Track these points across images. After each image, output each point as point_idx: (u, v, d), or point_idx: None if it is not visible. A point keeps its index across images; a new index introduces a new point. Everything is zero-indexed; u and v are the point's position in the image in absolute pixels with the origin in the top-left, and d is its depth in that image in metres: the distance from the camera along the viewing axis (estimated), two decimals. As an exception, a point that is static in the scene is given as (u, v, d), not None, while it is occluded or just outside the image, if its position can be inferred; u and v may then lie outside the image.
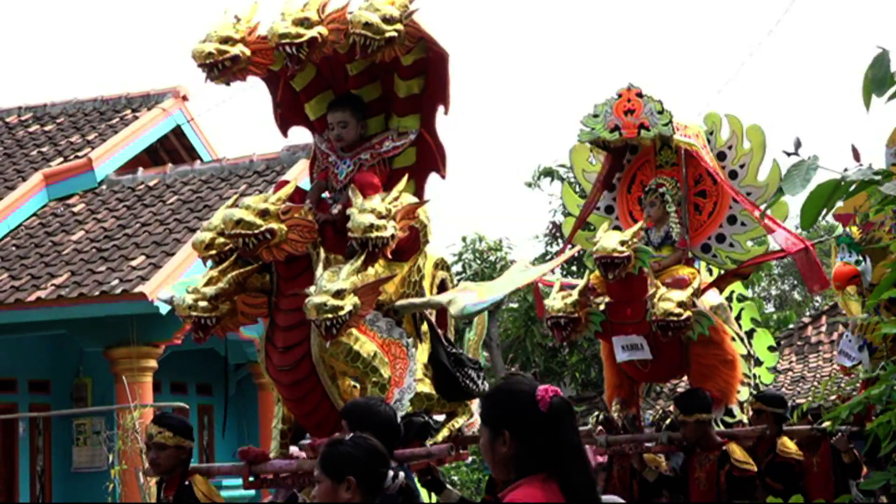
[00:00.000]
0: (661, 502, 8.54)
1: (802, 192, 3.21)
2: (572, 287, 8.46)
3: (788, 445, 8.85)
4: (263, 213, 5.97)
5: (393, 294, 6.50)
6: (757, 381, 10.04)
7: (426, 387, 6.72)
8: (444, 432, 7.09)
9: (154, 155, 18.83)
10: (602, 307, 8.43)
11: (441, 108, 6.69)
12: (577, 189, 10.70)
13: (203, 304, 6.11)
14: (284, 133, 7.07)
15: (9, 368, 16.03)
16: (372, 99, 6.76)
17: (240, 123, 53.12)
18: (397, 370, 6.29)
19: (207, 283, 6.17)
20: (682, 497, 8.34)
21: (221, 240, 6.25)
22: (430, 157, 6.76)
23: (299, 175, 16.93)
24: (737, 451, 8.12)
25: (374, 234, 5.98)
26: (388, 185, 6.42)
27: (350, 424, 5.21)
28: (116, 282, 14.58)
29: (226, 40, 6.14)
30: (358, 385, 6.31)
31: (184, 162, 18.50)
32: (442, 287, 7.07)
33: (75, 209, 17.00)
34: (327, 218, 6.36)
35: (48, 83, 57.42)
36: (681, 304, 8.18)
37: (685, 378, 9.28)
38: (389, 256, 6.24)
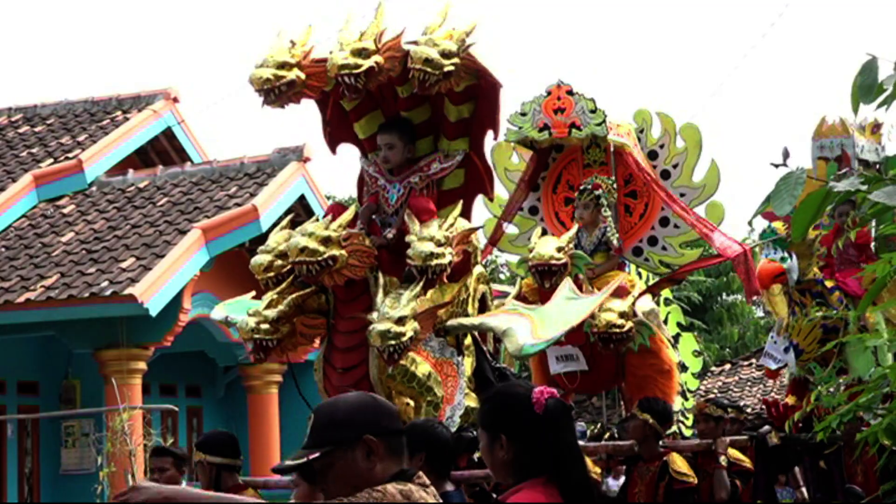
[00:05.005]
0: None
1: (791, 209, 3.19)
2: (504, 296, 8.22)
3: (739, 456, 8.51)
4: (326, 241, 6.18)
5: (443, 313, 6.63)
6: (684, 387, 9.55)
7: (472, 401, 6.81)
8: None
9: (144, 156, 18.76)
10: None
11: (490, 133, 6.84)
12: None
13: (265, 326, 6.30)
14: (333, 151, 7.19)
15: (-3, 370, 16.02)
16: (421, 121, 6.87)
17: (230, 125, 53.21)
18: (449, 388, 6.50)
19: (268, 306, 6.35)
20: None
21: (280, 262, 6.44)
22: (478, 180, 6.91)
23: (289, 178, 16.93)
24: (677, 462, 7.64)
25: (434, 262, 6.20)
26: (437, 206, 6.58)
27: (407, 445, 5.27)
28: (106, 283, 14.57)
29: (282, 65, 6.32)
30: (412, 403, 6.46)
31: (174, 164, 18.43)
32: (483, 301, 7.15)
33: (65, 210, 16.95)
34: (382, 242, 6.53)
35: (38, 84, 57.41)
36: (623, 315, 7.73)
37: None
38: (445, 281, 6.44)
